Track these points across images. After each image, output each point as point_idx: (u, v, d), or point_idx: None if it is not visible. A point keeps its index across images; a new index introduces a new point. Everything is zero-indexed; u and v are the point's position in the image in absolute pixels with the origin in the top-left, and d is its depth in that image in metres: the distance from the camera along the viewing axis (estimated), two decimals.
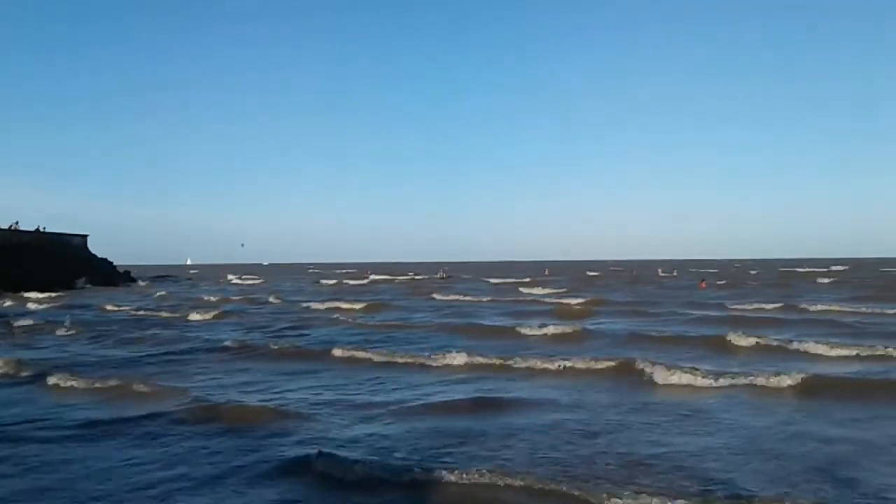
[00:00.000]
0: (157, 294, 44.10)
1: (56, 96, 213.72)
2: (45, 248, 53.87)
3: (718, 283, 53.78)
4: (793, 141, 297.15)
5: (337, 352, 15.07)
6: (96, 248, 64.37)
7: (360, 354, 14.74)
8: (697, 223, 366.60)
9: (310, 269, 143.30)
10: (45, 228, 56.18)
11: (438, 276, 78.18)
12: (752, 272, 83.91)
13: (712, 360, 13.56)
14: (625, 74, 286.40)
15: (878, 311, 24.69)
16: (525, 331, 19.10)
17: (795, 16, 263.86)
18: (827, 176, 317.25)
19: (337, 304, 31.99)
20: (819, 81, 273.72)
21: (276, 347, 16.07)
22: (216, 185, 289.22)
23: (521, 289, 48.58)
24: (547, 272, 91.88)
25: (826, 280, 55.91)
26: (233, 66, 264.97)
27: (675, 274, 78.51)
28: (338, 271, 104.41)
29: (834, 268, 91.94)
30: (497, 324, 21.99)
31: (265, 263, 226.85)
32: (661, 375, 11.32)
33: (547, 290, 45.29)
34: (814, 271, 78.51)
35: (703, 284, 49.44)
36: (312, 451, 7.16)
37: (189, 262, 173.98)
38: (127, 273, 71.24)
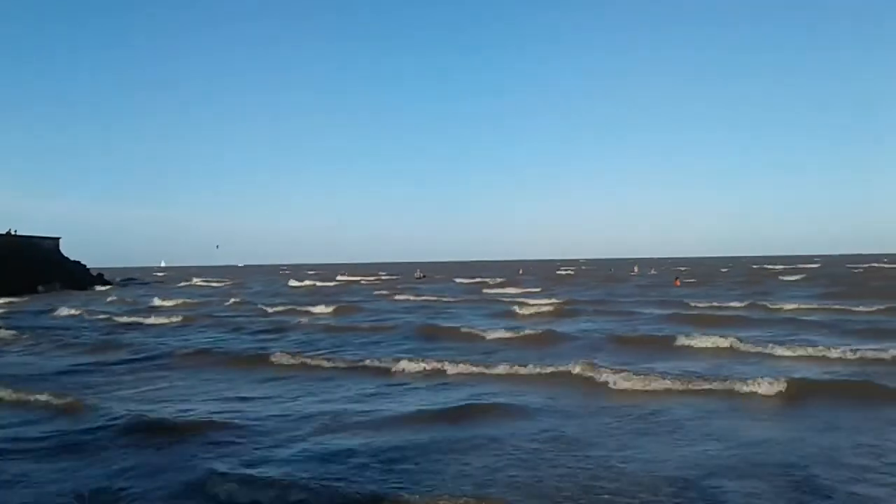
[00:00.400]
0: (109, 299, 42.17)
1: (32, 97, 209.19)
2: (15, 251, 52.85)
3: (689, 280, 54.12)
4: (777, 141, 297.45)
5: (282, 358, 14.47)
6: (70, 250, 63.40)
7: (310, 361, 14.26)
8: (695, 221, 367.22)
9: (282, 270, 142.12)
10: (16, 231, 55.11)
11: (416, 276, 77.89)
12: (723, 270, 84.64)
13: (666, 360, 13.43)
14: (623, 75, 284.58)
15: (838, 307, 24.88)
16: (482, 333, 18.76)
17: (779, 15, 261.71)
18: (805, 176, 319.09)
19: (294, 306, 31.31)
20: (809, 81, 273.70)
21: (221, 354, 15.46)
22: (194, 185, 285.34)
23: (484, 290, 48.09)
24: (521, 272, 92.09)
25: (793, 277, 56.42)
26: (217, 65, 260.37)
27: (653, 272, 79.06)
28: (311, 272, 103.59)
29: (803, 265, 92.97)
30: (453, 325, 21.36)
31: (241, 265, 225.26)
32: (612, 380, 11.12)
33: (516, 290, 45.27)
34: (784, 268, 79.33)
35: (678, 282, 49.72)
36: (225, 468, 6.84)
37: (163, 265, 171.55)
38: (100, 276, 70.23)
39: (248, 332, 21.01)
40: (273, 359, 14.44)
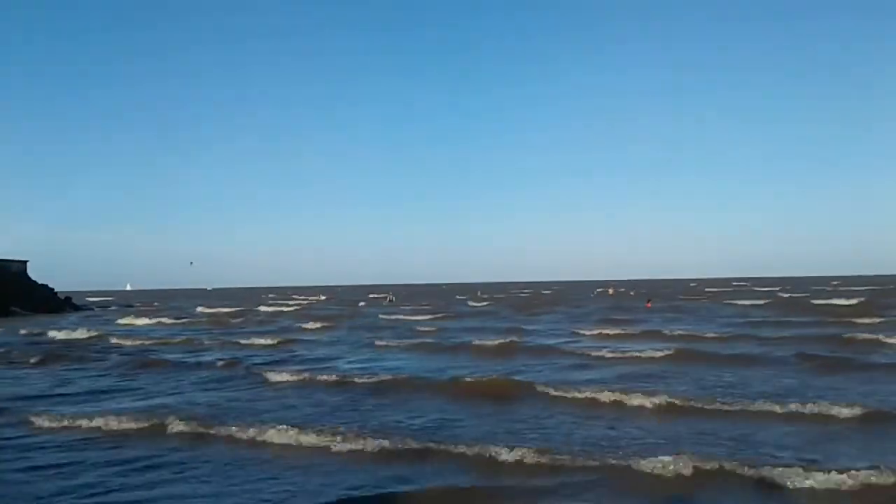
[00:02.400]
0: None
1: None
2: None
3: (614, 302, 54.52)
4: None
5: None
6: (38, 274, 60.26)
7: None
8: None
9: (266, 293, 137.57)
10: None
11: (386, 301, 76.25)
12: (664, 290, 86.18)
13: None
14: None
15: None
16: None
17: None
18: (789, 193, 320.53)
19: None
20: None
21: None
22: (164, 206, 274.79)
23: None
24: (479, 293, 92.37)
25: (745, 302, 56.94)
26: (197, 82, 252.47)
27: (610, 293, 79.93)
28: (271, 295, 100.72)
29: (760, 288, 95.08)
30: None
31: (209, 288, 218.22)
32: None
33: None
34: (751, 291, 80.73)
35: (649, 304, 49.98)
36: None
37: (129, 288, 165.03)
38: (68, 299, 67.04)
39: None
40: None
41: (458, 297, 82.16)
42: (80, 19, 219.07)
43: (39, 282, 60.43)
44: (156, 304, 77.01)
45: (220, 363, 17.89)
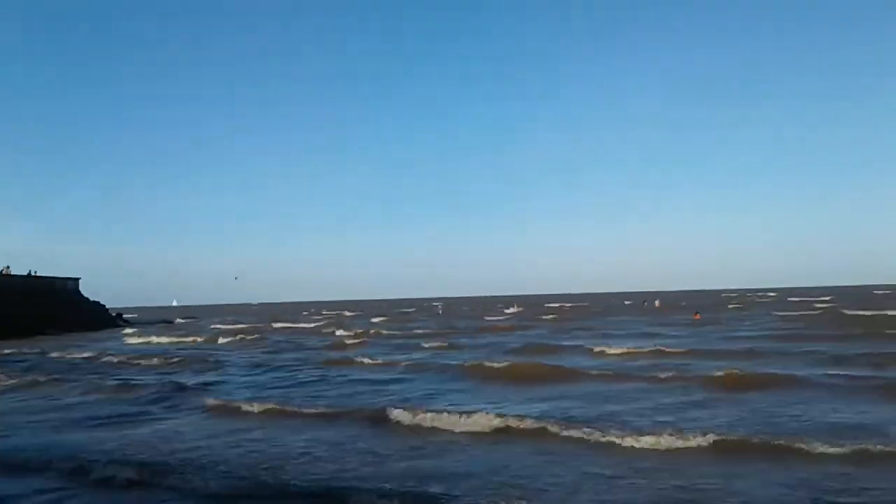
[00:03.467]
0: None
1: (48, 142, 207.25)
2: (36, 292, 50.86)
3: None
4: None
5: None
6: (89, 291, 61.25)
7: None
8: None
9: (306, 309, 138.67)
10: (36, 272, 53.11)
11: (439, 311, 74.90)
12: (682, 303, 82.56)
13: None
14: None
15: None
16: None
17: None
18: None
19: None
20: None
21: None
22: (213, 222, 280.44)
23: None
24: (515, 305, 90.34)
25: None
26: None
27: (657, 304, 77.06)
28: (304, 312, 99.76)
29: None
30: None
31: (254, 303, 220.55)
32: None
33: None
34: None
35: (698, 316, 47.54)
36: None
37: (175, 304, 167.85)
38: (119, 315, 68.03)
39: None
40: None
41: (499, 305, 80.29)
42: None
43: (91, 298, 61.61)
44: (178, 320, 77.83)
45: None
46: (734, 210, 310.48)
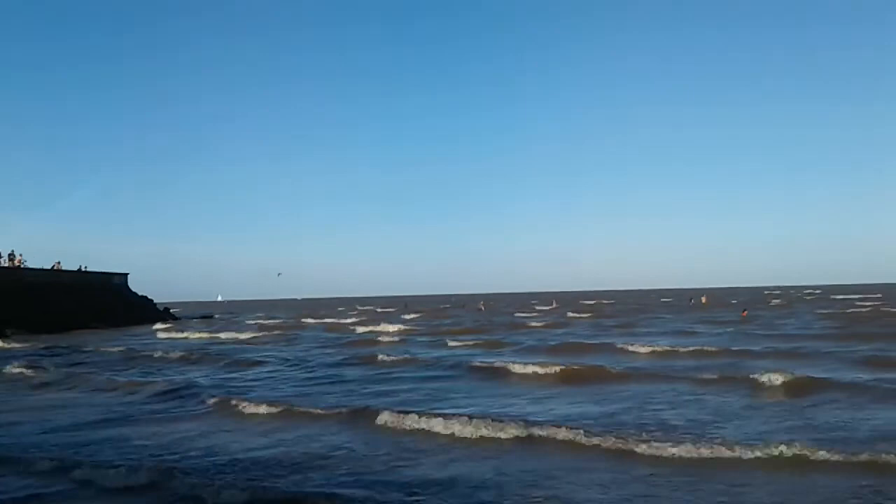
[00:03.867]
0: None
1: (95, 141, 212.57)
2: (86, 287, 52.10)
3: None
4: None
5: None
6: (137, 286, 62.54)
7: None
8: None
9: (343, 305, 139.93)
10: (86, 268, 54.43)
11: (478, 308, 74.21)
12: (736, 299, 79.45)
13: None
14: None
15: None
16: None
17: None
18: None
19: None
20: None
21: None
22: (248, 218, 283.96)
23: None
24: (554, 302, 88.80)
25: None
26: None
27: (704, 301, 74.61)
28: (339, 308, 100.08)
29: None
30: None
31: (299, 298, 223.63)
32: None
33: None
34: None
35: (745, 313, 45.65)
36: None
37: (220, 299, 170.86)
38: (167, 310, 69.10)
39: None
40: None
41: (533, 302, 79.19)
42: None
43: (139, 293, 62.91)
44: (216, 315, 78.73)
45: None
46: (779, 206, 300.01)
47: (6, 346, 31.40)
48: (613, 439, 8.75)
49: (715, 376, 14.83)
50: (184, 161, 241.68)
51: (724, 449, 8.11)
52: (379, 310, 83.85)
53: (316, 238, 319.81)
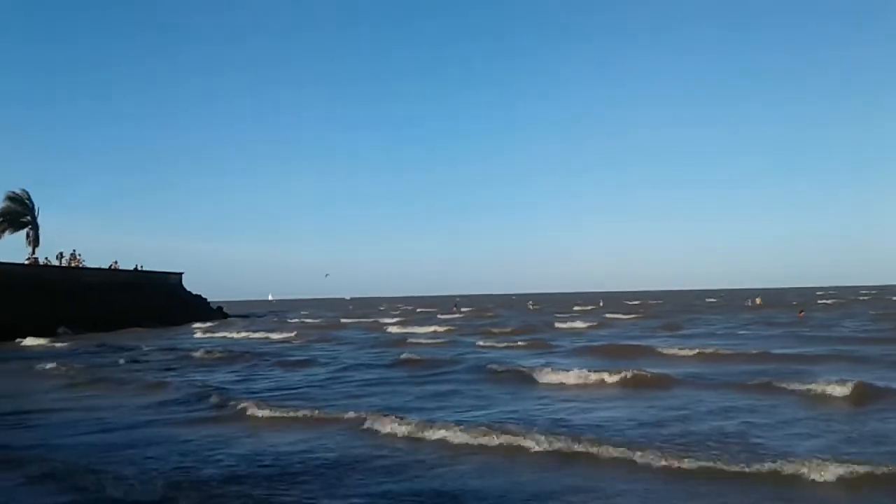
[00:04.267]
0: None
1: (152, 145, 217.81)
2: (141, 286, 53.29)
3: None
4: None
5: None
6: (192, 285, 63.87)
7: None
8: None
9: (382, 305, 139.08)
10: (142, 267, 55.77)
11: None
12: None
13: None
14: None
15: None
16: None
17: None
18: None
19: None
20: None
21: None
22: (300, 219, 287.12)
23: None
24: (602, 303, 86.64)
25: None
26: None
27: (758, 302, 71.43)
28: (381, 307, 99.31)
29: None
30: None
31: (348, 297, 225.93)
32: None
33: None
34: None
35: (802, 314, 43.38)
36: None
37: (270, 298, 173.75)
38: (220, 308, 70.10)
39: None
40: None
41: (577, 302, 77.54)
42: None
43: (193, 292, 64.21)
44: (258, 313, 79.66)
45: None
46: (845, 206, 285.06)
47: (42, 344, 31.71)
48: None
49: (772, 381, 13.60)
50: (232, 164, 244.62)
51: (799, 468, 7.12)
52: (421, 309, 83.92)
53: (369, 239, 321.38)
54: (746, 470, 7.17)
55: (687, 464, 7.49)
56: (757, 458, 7.48)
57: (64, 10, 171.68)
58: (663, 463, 7.57)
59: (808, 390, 12.60)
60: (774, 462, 7.26)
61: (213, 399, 13.25)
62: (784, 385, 13.23)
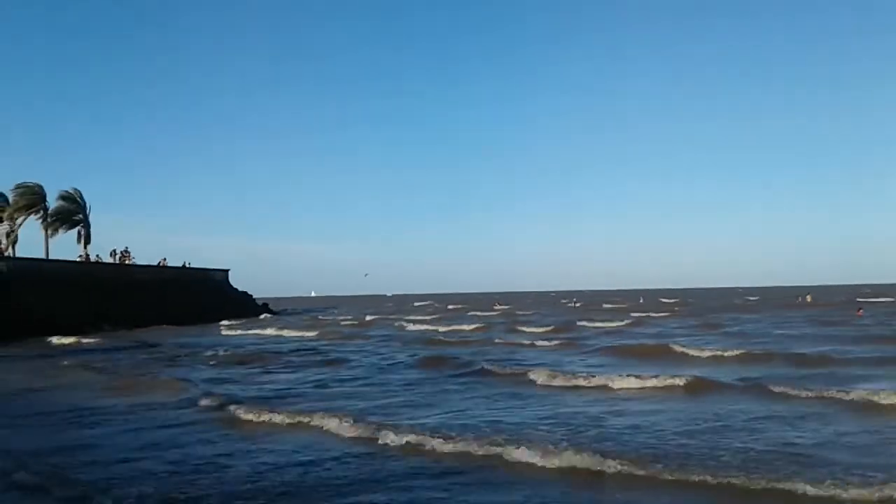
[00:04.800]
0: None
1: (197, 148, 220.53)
2: (188, 283, 53.95)
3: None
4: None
5: None
6: (238, 282, 64.57)
7: None
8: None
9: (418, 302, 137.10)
10: (189, 264, 56.54)
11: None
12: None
13: None
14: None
15: None
16: None
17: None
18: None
19: None
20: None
21: None
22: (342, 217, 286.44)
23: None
24: (641, 300, 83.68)
25: None
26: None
27: (808, 300, 67.97)
28: (415, 304, 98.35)
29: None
30: None
31: (388, 294, 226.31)
32: None
33: None
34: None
35: (861, 312, 40.75)
36: None
37: (313, 294, 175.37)
38: (265, 305, 70.26)
39: None
40: None
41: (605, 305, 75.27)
42: None
43: (240, 289, 64.91)
44: (291, 309, 79.24)
45: None
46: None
47: (72, 341, 30.66)
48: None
49: (826, 389, 12.22)
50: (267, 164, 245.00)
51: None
52: (452, 305, 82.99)
53: (421, 237, 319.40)
54: None
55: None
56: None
57: None
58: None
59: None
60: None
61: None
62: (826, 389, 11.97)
